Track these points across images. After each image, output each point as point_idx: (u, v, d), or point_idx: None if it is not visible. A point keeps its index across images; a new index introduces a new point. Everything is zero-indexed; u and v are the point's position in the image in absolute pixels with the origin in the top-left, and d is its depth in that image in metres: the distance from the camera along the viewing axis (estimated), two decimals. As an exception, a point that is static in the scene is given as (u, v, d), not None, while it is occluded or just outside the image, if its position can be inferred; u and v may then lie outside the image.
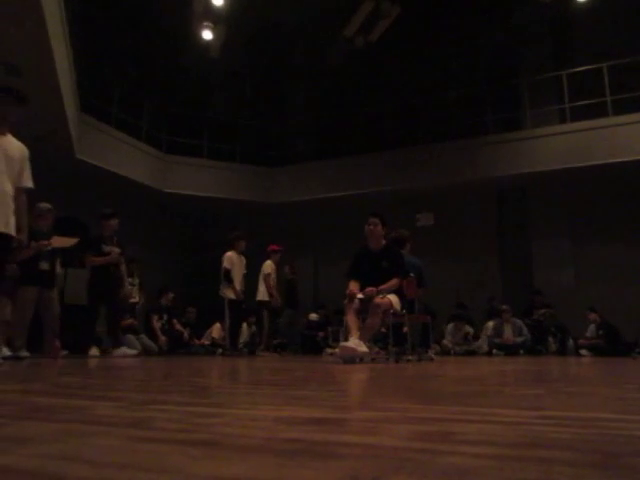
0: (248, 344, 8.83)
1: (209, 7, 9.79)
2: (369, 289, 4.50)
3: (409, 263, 5.13)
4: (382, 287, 4.52)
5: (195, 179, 10.73)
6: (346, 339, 4.38)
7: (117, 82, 9.48)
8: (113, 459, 0.70)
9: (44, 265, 5.18)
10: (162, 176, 10.39)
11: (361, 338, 4.26)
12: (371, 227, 4.78)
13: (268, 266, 7.74)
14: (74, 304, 6.97)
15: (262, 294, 7.69)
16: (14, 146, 3.54)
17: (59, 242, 5.34)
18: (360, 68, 11.22)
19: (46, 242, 5.11)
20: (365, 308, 4.45)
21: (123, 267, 6.21)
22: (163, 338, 7.86)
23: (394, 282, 4.62)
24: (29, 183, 3.60)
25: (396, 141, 10.49)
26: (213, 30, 10.09)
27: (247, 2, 9.96)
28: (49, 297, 5.26)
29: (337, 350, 4.78)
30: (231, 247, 7.26)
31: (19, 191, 3.53)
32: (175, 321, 8.44)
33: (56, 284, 5.48)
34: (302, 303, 9.14)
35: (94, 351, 5.78)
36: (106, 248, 5.93)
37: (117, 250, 6.01)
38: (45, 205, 5.35)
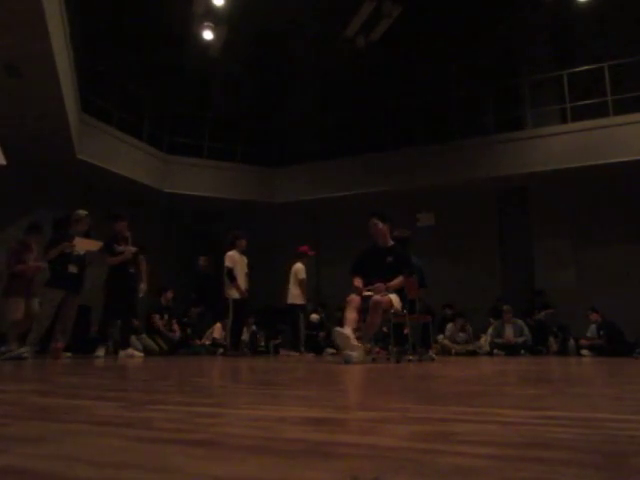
0: (248, 344, 8.83)
1: (210, 7, 9.79)
2: (378, 285, 4.46)
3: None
4: (390, 284, 4.49)
5: (196, 179, 10.72)
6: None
7: (118, 82, 9.47)
8: (113, 459, 0.70)
9: (73, 268, 5.18)
10: (162, 176, 10.39)
11: (362, 338, 4.25)
12: (372, 228, 4.80)
13: (302, 270, 7.76)
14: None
15: (295, 297, 7.72)
16: None
17: (83, 244, 5.28)
18: (361, 68, 11.21)
19: (69, 243, 5.11)
20: (366, 306, 4.44)
21: (143, 267, 6.18)
22: (177, 331, 8.11)
23: (399, 280, 4.60)
24: (1, 160, 3.56)
25: (396, 141, 10.49)
26: (214, 30, 10.08)
27: (248, 2, 9.96)
28: (72, 301, 5.25)
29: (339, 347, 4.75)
30: (232, 246, 7.25)
31: None
32: (174, 321, 8.44)
33: (82, 289, 5.41)
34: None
35: (101, 351, 5.75)
36: (119, 248, 5.91)
37: (132, 249, 5.96)
38: (83, 211, 5.42)
